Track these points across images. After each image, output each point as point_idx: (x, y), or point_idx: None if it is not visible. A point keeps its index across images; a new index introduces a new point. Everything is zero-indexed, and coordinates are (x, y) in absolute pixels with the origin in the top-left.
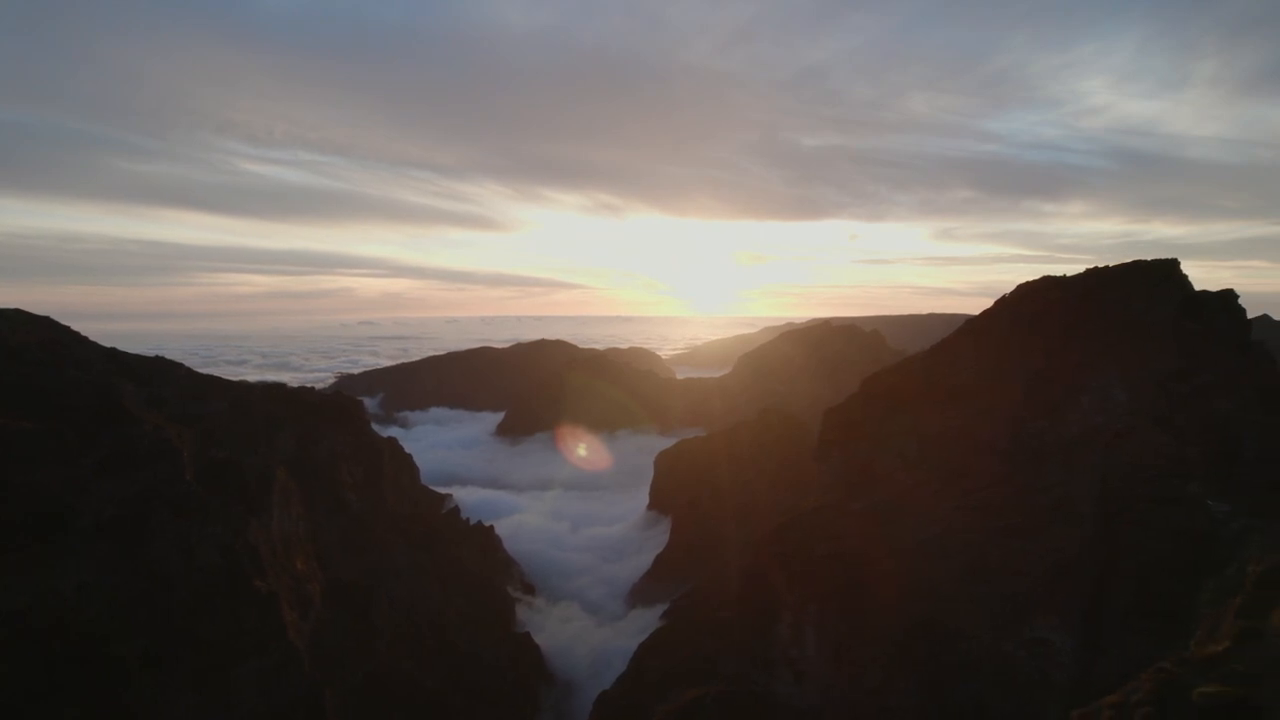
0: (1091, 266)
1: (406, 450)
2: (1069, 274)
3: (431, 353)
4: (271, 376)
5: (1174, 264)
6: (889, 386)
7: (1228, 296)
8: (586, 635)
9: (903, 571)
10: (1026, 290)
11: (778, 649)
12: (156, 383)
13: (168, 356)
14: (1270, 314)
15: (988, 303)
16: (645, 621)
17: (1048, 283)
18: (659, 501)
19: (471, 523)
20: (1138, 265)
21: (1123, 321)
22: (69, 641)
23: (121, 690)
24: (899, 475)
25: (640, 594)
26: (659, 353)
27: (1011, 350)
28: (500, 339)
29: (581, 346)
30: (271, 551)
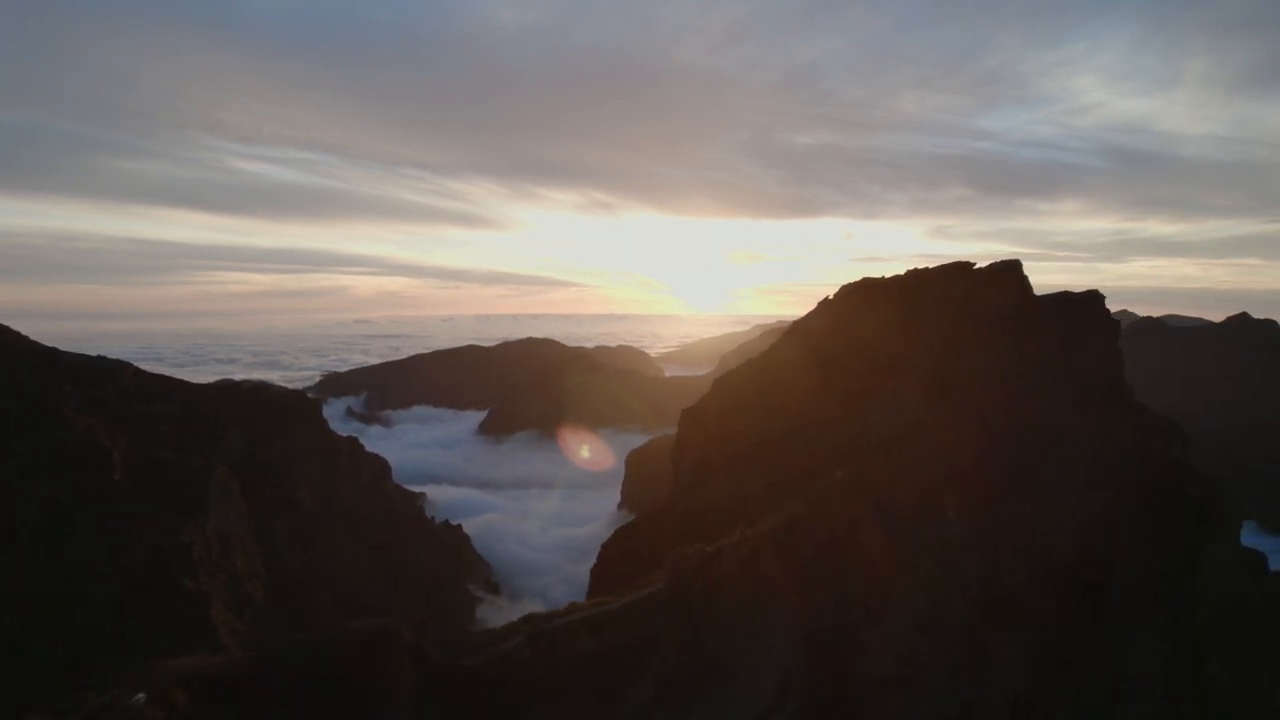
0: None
1: (386, 449)
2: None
3: (422, 351)
4: (260, 375)
5: (1013, 265)
6: (733, 387)
7: (1091, 298)
8: None
9: None
10: (845, 292)
11: None
12: (98, 383)
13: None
14: (1252, 312)
15: None
16: None
17: (866, 284)
18: (630, 501)
19: (438, 522)
20: (957, 266)
21: (943, 323)
22: None
23: (30, 692)
24: (728, 479)
25: None
26: (649, 351)
27: (831, 352)
28: (493, 338)
29: (571, 345)
30: (207, 551)
